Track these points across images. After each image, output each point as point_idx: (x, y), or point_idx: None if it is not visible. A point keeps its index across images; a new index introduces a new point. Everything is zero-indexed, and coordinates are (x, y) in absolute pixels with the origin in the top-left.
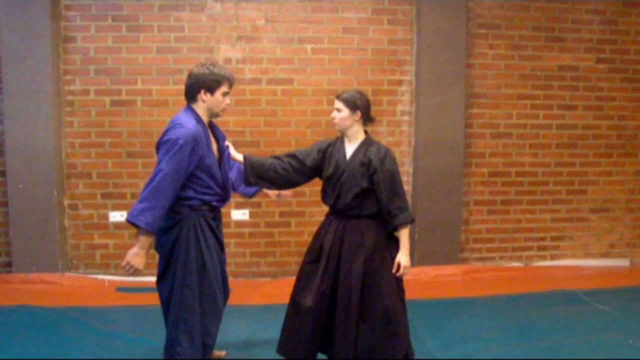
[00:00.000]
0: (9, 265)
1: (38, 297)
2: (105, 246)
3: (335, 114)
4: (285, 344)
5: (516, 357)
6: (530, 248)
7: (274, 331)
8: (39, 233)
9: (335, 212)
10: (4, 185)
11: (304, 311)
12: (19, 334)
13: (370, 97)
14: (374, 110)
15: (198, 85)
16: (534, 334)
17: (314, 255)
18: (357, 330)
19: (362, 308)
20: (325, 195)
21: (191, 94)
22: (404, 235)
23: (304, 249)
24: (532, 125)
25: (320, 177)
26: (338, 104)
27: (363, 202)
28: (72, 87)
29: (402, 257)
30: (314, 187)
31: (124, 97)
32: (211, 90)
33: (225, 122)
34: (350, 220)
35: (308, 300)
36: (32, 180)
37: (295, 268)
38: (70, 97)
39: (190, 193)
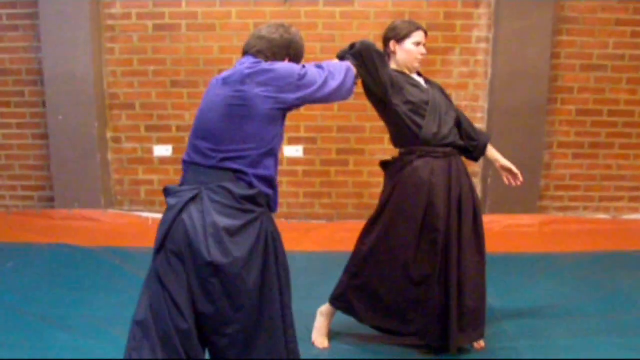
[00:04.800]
0: (51, 200)
1: (79, 235)
2: (150, 182)
3: (423, 49)
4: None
5: (600, 331)
6: (620, 198)
7: (328, 283)
8: (81, 167)
9: (433, 146)
10: (44, 116)
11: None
12: (54, 274)
13: (442, 21)
14: (446, 35)
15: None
16: (621, 302)
17: (420, 215)
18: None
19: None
20: (417, 126)
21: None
22: (492, 150)
23: (363, 191)
24: (631, 56)
25: (385, 104)
26: (424, 38)
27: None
28: (113, 11)
29: (507, 163)
30: (375, 122)
31: (167, 20)
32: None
33: None
34: (454, 157)
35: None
36: (73, 112)
37: (352, 211)
38: (110, 22)
39: (272, 168)
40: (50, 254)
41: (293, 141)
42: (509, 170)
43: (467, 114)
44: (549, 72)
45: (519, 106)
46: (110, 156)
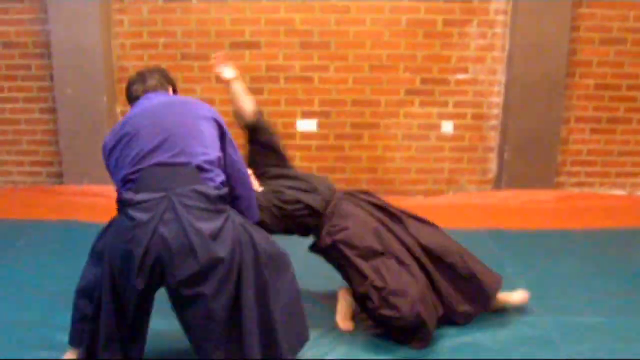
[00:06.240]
0: (60, 175)
1: (89, 211)
2: None
3: None
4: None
5: (626, 311)
6: (637, 174)
7: None
8: (90, 142)
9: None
10: (51, 90)
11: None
12: (66, 251)
13: None
14: (463, 7)
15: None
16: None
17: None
18: None
19: None
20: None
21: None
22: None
23: (377, 165)
24: None
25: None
26: None
27: None
28: None
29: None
30: (390, 95)
31: None
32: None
33: (291, 20)
34: None
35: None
36: (81, 86)
37: (366, 186)
38: None
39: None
40: (60, 231)
41: (307, 115)
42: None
43: (484, 87)
44: (568, 46)
45: (536, 80)
46: None
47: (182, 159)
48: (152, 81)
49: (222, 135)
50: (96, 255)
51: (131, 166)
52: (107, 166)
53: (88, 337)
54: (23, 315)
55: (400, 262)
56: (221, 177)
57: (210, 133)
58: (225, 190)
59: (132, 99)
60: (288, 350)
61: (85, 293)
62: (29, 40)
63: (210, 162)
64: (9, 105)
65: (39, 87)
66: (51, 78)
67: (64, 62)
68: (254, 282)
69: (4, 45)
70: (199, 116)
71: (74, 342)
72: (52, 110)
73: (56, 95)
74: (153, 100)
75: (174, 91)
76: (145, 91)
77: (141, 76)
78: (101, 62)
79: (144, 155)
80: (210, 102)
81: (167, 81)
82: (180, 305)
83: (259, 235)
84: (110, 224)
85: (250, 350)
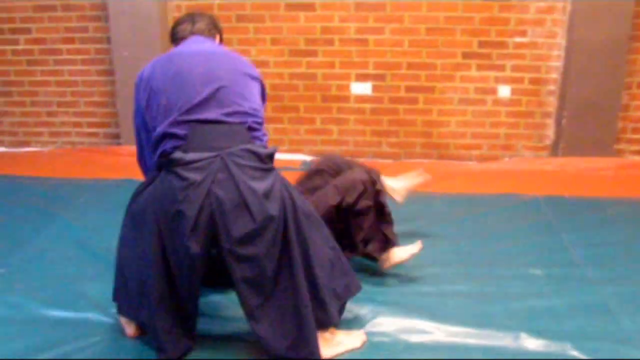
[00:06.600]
0: (117, 136)
1: None
2: None
3: None
4: None
5: None
6: None
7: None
8: None
9: None
10: (108, 52)
11: None
12: (123, 210)
13: None
14: None
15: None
16: None
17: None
18: None
19: None
20: None
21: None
22: None
23: (431, 130)
24: None
25: None
26: None
27: None
28: None
29: None
30: (447, 59)
31: None
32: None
33: None
34: None
35: None
36: (138, 47)
37: (420, 150)
38: None
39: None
40: (118, 190)
41: (361, 78)
42: None
43: (543, 51)
44: (633, 7)
45: (598, 44)
46: None
47: (235, 119)
48: (201, 24)
49: (263, 97)
50: (133, 218)
51: (179, 114)
52: (142, 97)
53: (137, 302)
54: (82, 270)
55: None
56: (267, 137)
57: (257, 94)
58: (273, 149)
59: (177, 39)
60: (334, 300)
61: (128, 260)
62: (87, 3)
63: (259, 123)
64: (67, 67)
65: (96, 50)
66: (108, 40)
67: (121, 24)
68: (297, 239)
69: (62, 8)
70: (249, 75)
71: (123, 311)
72: (110, 72)
73: (113, 57)
74: (203, 45)
75: (220, 40)
76: (193, 33)
77: (191, 17)
78: (157, 24)
79: (193, 106)
80: (265, 64)
81: (215, 28)
82: (232, 263)
83: (295, 193)
84: (148, 184)
85: (304, 299)
